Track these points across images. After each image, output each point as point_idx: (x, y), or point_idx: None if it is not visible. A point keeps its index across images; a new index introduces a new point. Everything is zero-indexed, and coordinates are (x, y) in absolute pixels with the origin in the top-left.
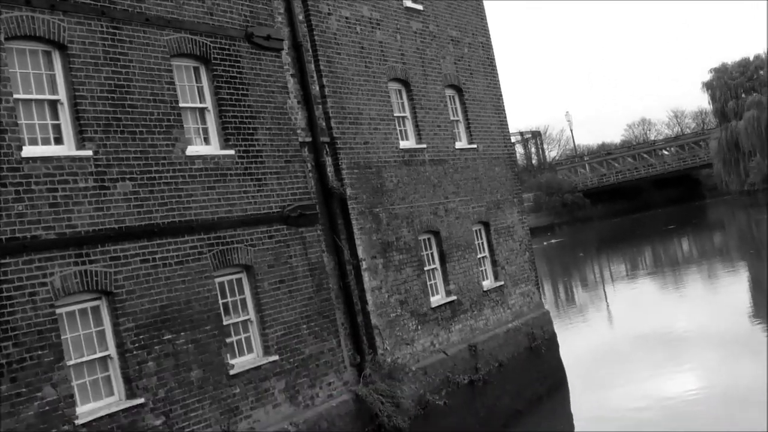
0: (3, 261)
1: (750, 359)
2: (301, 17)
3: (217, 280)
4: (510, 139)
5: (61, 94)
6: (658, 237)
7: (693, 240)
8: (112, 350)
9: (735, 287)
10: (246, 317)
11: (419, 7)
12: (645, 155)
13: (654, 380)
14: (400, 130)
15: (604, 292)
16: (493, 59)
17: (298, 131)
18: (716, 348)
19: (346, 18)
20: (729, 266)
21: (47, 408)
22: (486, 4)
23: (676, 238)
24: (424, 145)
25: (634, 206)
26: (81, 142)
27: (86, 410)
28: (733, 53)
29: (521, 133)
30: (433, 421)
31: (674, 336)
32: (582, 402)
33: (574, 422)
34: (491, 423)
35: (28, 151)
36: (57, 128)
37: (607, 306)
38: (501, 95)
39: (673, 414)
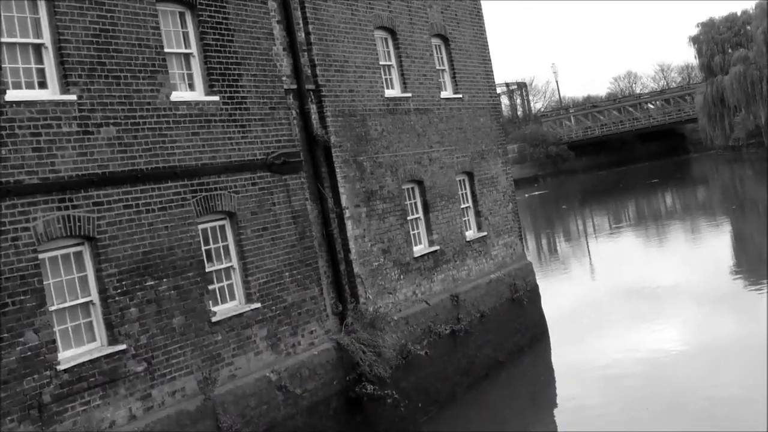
0: None
1: (730, 315)
2: None
3: (200, 226)
4: (495, 89)
5: (46, 38)
6: (642, 191)
7: (676, 194)
8: (94, 296)
9: (717, 242)
10: (228, 264)
11: None
12: (630, 109)
13: (634, 334)
14: (386, 79)
15: (587, 245)
16: (480, 9)
17: (283, 78)
18: (697, 303)
19: None
20: (712, 221)
21: (29, 353)
22: None
23: (659, 192)
24: (410, 94)
25: (618, 159)
26: (65, 86)
27: (68, 356)
28: (720, 8)
29: (507, 84)
30: (414, 370)
31: (656, 290)
32: (563, 354)
33: (555, 374)
34: (472, 373)
35: (12, 95)
36: (41, 72)
37: (590, 259)
38: (487, 45)
39: (653, 370)
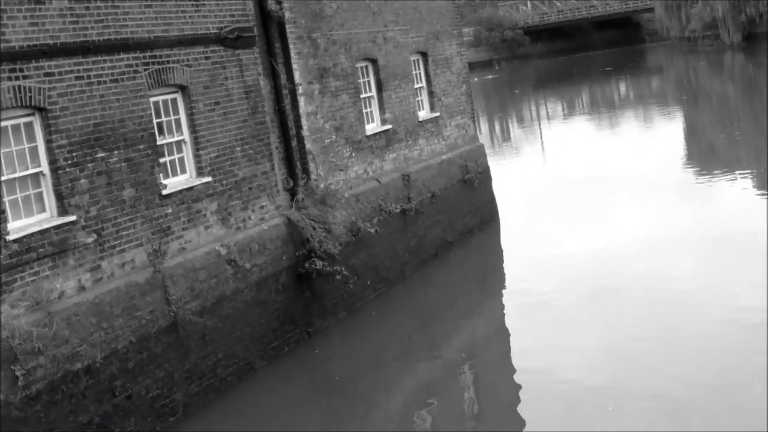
0: None
1: (682, 206)
2: None
3: (152, 99)
4: None
5: None
6: (596, 78)
7: (630, 83)
8: (44, 167)
9: (669, 132)
10: (180, 138)
11: None
12: None
13: (585, 222)
14: None
15: (540, 130)
16: None
17: None
18: (648, 192)
19: None
20: (664, 111)
21: None
22: None
23: (613, 80)
24: None
25: (573, 47)
26: None
27: (17, 226)
28: None
29: None
30: (364, 248)
31: (607, 178)
32: (512, 238)
33: (504, 257)
34: (421, 252)
35: None
36: None
37: (542, 144)
38: None
39: (603, 258)
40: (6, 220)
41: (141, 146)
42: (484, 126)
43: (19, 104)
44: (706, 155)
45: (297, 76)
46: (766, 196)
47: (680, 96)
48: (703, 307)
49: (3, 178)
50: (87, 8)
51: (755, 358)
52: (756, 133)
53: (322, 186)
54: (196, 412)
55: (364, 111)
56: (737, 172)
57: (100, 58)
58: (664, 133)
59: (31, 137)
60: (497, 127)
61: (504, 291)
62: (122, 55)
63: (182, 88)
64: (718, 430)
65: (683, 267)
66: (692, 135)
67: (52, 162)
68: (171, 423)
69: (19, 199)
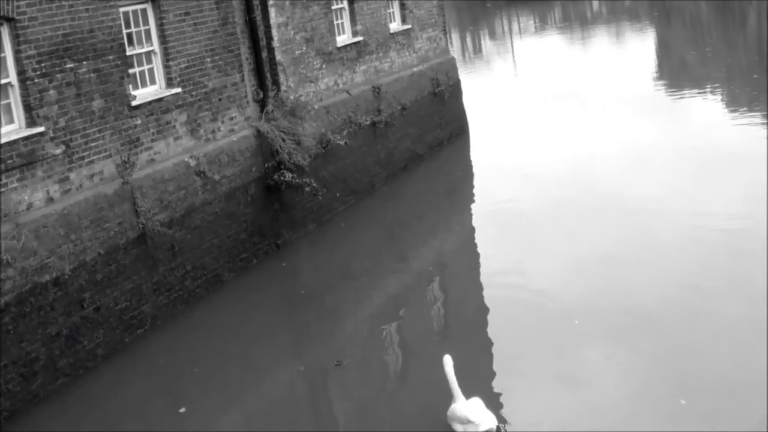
0: None
1: (651, 120)
2: None
3: (122, 9)
4: None
5: None
6: None
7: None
8: (12, 78)
9: (641, 48)
10: (150, 48)
11: None
12: None
13: (555, 135)
14: None
15: (512, 45)
16: None
17: None
18: (618, 107)
19: None
20: (637, 27)
21: None
22: None
23: None
24: None
25: None
26: None
27: None
28: None
29: None
30: (333, 160)
31: (578, 92)
32: (482, 151)
33: (473, 170)
34: (391, 165)
35: None
36: None
37: (514, 59)
38: None
39: (573, 170)
40: None
41: (110, 57)
42: (455, 40)
43: None
44: (676, 72)
45: None
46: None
47: (652, 13)
48: (673, 216)
49: None
50: None
51: (726, 269)
52: (726, 51)
53: (291, 98)
54: (164, 324)
55: (335, 22)
56: (707, 88)
57: None
58: (636, 50)
59: None
60: (469, 41)
61: (473, 203)
62: None
63: None
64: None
65: (653, 178)
66: (663, 51)
67: (21, 73)
68: (139, 335)
69: None
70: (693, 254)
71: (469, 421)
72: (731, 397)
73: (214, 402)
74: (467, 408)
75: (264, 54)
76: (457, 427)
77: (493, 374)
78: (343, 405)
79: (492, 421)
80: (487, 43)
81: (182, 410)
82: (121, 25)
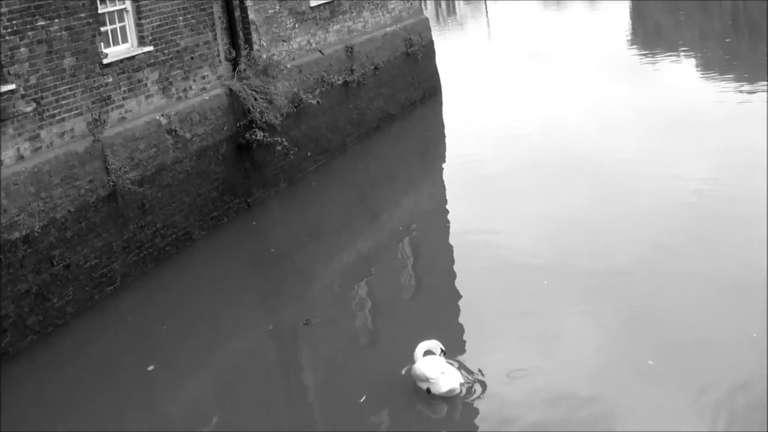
0: None
1: (625, 83)
2: None
3: None
4: None
5: None
6: None
7: None
8: None
9: (616, 12)
10: (122, 6)
11: None
12: None
13: (528, 97)
14: None
15: (485, 7)
16: None
17: None
18: (593, 70)
19: None
20: None
21: None
22: None
23: None
24: None
25: None
26: None
27: None
28: None
29: None
30: (305, 119)
31: (552, 55)
32: (455, 111)
33: (446, 131)
34: (363, 125)
35: None
36: None
37: (488, 21)
38: None
39: (546, 133)
40: None
41: (82, 15)
42: (430, 2)
43: None
44: (650, 36)
45: None
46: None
47: None
48: (644, 177)
49: None
50: None
51: (696, 230)
52: (701, 16)
53: (264, 57)
54: (134, 281)
55: None
56: (680, 51)
57: None
58: (611, 15)
59: None
60: (443, 3)
61: (445, 164)
62: None
63: None
64: None
65: (625, 140)
66: (638, 16)
67: None
68: (109, 292)
69: None
70: (664, 215)
71: (428, 379)
72: (699, 357)
73: (183, 360)
74: (426, 366)
75: (237, 13)
76: (421, 385)
77: (462, 332)
78: (312, 363)
79: (454, 380)
80: (461, 6)
81: (151, 368)
82: None
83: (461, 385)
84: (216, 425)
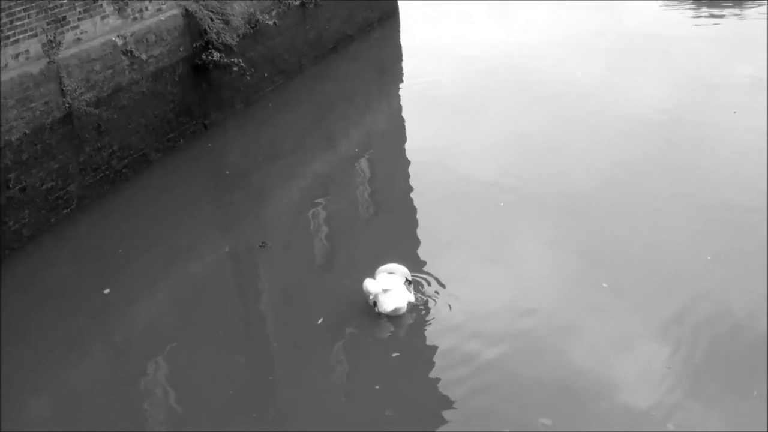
0: None
1: (585, 11)
2: None
3: None
4: None
5: None
6: None
7: None
8: None
9: None
10: None
11: None
12: None
13: (491, 26)
14: None
15: None
16: None
17: None
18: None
19: None
20: None
21: None
22: None
23: None
24: None
25: None
26: None
27: None
28: None
29: None
30: (262, 40)
31: None
32: (412, 32)
33: (403, 51)
34: (320, 46)
35: None
36: None
37: None
38: None
39: (507, 56)
40: None
41: None
42: None
43: None
44: None
45: None
46: None
47: None
48: (604, 102)
49: None
50: None
51: (656, 153)
52: None
53: None
54: (90, 204)
55: None
56: None
57: None
58: None
59: None
60: None
61: (402, 84)
62: None
63: None
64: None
65: (587, 64)
66: None
67: None
68: (65, 215)
69: None
70: (625, 138)
71: (370, 294)
72: (654, 279)
73: (139, 283)
74: (372, 282)
75: None
76: (369, 302)
77: (419, 253)
78: (269, 286)
79: (400, 300)
80: None
81: (107, 291)
82: None
83: (410, 304)
84: (174, 348)
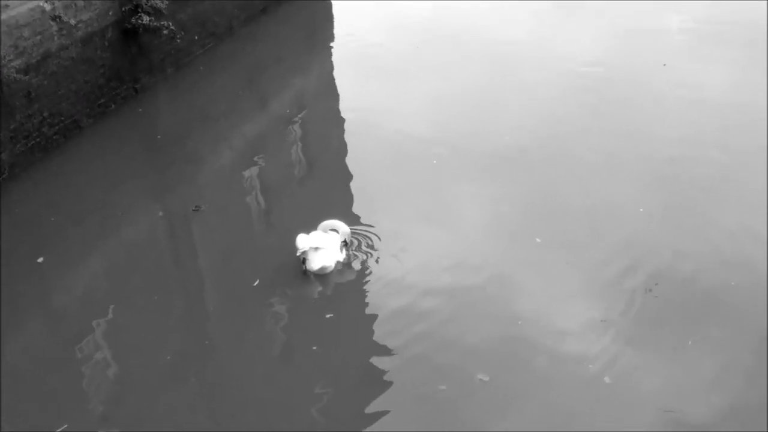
0: None
1: None
2: None
3: None
4: None
5: None
6: None
7: None
8: None
9: None
10: None
11: None
12: None
13: None
14: None
15: None
16: None
17: None
18: None
19: None
20: None
21: None
22: None
23: None
24: None
25: None
26: None
27: None
28: None
29: None
30: (191, 3)
31: None
32: None
33: (333, 11)
34: (249, 8)
35: None
36: None
37: None
38: None
39: (442, 16)
40: None
41: None
42: None
43: None
44: None
45: None
46: None
47: None
48: (539, 60)
49: None
50: None
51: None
52: None
53: None
54: (21, 172)
55: None
56: None
57: None
58: None
59: None
60: None
61: (333, 44)
62: None
63: None
64: None
65: (519, 22)
66: None
67: None
68: None
69: None
70: (558, 95)
71: (298, 250)
72: (590, 232)
73: (73, 250)
74: (303, 238)
75: None
76: (299, 258)
77: (354, 211)
78: (204, 249)
79: (328, 259)
80: None
81: (40, 260)
82: None
83: (339, 264)
84: (110, 315)
